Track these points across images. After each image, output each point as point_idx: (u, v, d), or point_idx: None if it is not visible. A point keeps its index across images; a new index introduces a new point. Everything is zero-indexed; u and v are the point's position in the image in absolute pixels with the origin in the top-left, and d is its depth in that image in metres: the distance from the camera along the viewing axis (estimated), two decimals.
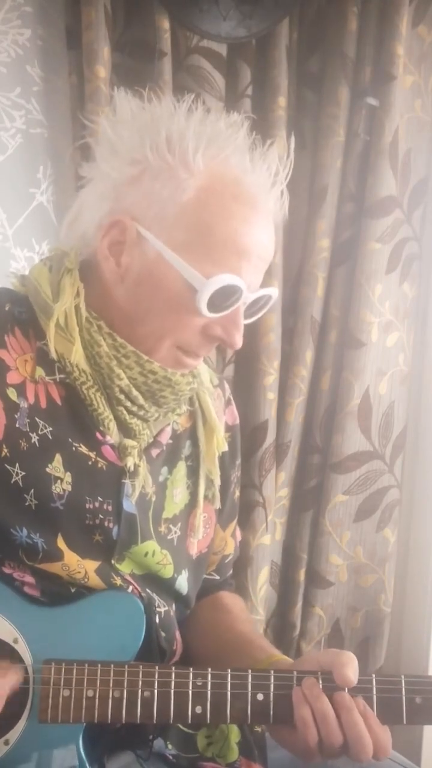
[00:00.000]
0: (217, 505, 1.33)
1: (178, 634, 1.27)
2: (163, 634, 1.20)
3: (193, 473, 1.29)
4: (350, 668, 1.04)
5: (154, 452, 1.23)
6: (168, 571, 1.23)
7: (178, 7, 1.78)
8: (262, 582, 1.96)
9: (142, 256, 1.11)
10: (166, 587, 1.24)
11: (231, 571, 1.47)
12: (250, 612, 1.92)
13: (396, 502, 2.04)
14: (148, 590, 1.20)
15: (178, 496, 1.27)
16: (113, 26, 1.78)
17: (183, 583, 1.27)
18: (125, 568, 1.18)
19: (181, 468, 1.28)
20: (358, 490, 2.00)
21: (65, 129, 1.83)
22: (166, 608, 1.23)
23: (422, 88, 1.96)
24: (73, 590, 1.13)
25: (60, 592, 1.12)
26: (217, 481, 1.31)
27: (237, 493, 1.44)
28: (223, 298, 1.10)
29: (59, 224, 1.86)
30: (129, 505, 1.17)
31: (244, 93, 1.87)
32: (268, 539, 1.96)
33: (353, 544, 2.01)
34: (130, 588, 1.17)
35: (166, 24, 1.77)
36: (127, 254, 1.12)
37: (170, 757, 1.17)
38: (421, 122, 1.97)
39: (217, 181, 1.09)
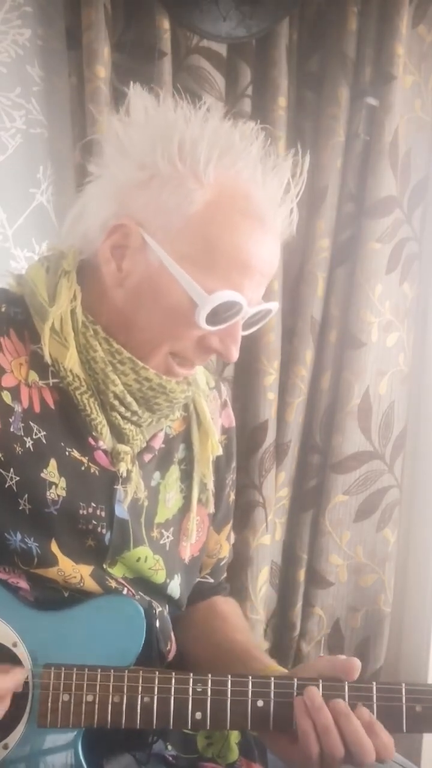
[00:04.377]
0: (211, 508, 1.32)
1: (172, 633, 1.27)
2: (159, 634, 1.20)
3: (187, 477, 1.28)
4: (351, 659, 1.05)
5: (147, 457, 1.22)
6: (160, 577, 1.22)
7: (178, 7, 1.78)
8: (262, 582, 1.96)
9: (144, 262, 1.09)
10: (158, 591, 1.24)
11: (225, 574, 1.46)
12: (250, 612, 1.93)
13: (396, 502, 2.04)
14: (141, 593, 1.20)
15: (170, 501, 1.26)
16: (113, 26, 1.78)
17: (175, 587, 1.26)
18: (117, 572, 1.18)
19: (174, 472, 1.27)
20: (358, 490, 2.00)
21: (65, 129, 1.83)
22: (161, 609, 1.23)
23: (422, 88, 1.96)
24: (66, 594, 1.12)
25: (54, 598, 1.11)
26: (211, 485, 1.30)
27: (232, 497, 1.43)
28: (223, 313, 1.09)
29: (59, 224, 1.86)
30: (121, 510, 1.17)
31: (244, 93, 1.87)
32: (268, 539, 1.96)
33: (353, 544, 2.01)
34: (125, 591, 1.17)
35: (166, 24, 1.77)
36: (129, 259, 1.10)
37: (170, 759, 1.16)
38: (421, 122, 1.97)
39: (226, 195, 1.07)
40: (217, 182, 1.07)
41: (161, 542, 1.23)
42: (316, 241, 1.92)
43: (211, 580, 1.41)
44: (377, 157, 1.87)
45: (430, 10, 1.92)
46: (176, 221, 1.07)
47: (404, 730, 1.05)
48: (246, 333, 1.16)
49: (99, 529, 1.15)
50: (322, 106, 1.91)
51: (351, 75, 1.88)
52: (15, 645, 1.06)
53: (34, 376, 1.12)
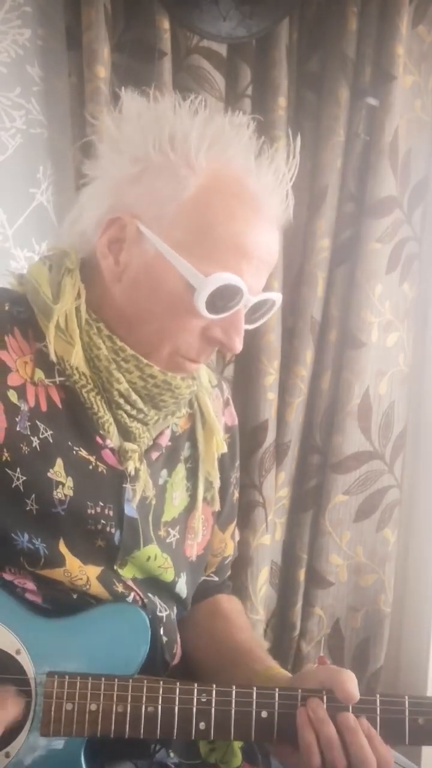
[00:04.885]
0: (216, 507, 1.32)
1: (178, 636, 1.27)
2: (165, 639, 1.20)
3: (193, 475, 1.28)
4: (352, 684, 1.04)
5: (154, 455, 1.21)
6: (169, 575, 1.22)
7: (178, 7, 1.78)
8: (262, 582, 1.96)
9: (141, 254, 1.09)
10: (167, 591, 1.24)
11: (229, 572, 1.46)
12: (250, 612, 1.93)
13: (396, 502, 2.04)
14: (149, 595, 1.20)
15: (177, 499, 1.26)
16: (113, 26, 1.77)
17: (183, 586, 1.26)
18: (127, 573, 1.18)
19: (180, 470, 1.27)
20: (358, 490, 2.00)
21: (65, 129, 1.83)
22: (168, 612, 1.23)
23: (422, 88, 1.96)
24: (75, 596, 1.12)
25: (62, 599, 1.11)
26: (217, 483, 1.30)
27: (236, 495, 1.43)
28: (224, 298, 1.08)
29: (59, 224, 1.86)
30: (130, 509, 1.17)
31: (244, 93, 1.87)
32: (268, 539, 1.96)
33: (353, 544, 2.02)
34: (132, 594, 1.16)
35: (166, 24, 1.77)
36: (126, 252, 1.10)
37: (172, 766, 1.16)
38: (421, 122, 1.97)
39: (219, 180, 1.08)
40: (210, 168, 1.07)
41: (168, 541, 1.23)
42: (316, 241, 1.91)
43: (216, 579, 1.41)
44: (377, 157, 1.87)
45: (430, 10, 1.92)
46: (171, 209, 1.07)
47: (407, 743, 1.05)
48: (250, 327, 1.16)
49: (108, 529, 1.14)
50: (322, 106, 1.91)
51: (351, 75, 1.88)
52: (18, 652, 1.06)
53: (40, 374, 1.12)
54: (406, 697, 1.05)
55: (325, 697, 1.04)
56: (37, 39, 1.83)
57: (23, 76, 1.83)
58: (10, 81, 1.82)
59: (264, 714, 1.04)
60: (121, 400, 1.13)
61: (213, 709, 1.03)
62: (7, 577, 1.10)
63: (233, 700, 1.04)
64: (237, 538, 1.47)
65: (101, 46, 1.72)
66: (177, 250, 1.07)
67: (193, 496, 1.28)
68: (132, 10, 1.79)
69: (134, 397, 1.13)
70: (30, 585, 1.10)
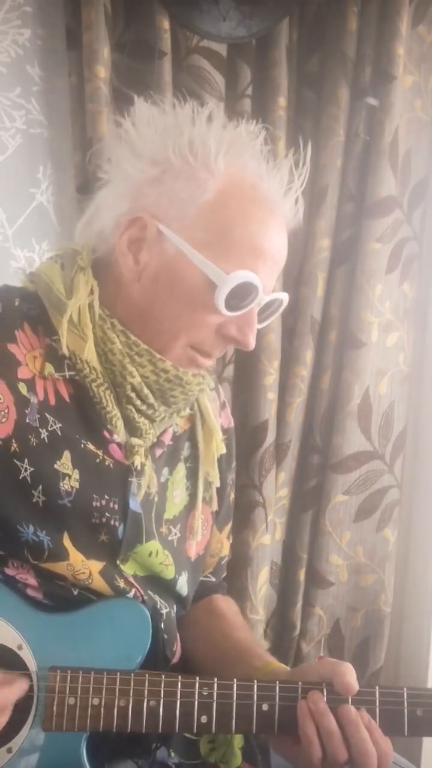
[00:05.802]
0: (215, 507, 1.34)
1: (177, 635, 1.27)
2: (165, 636, 1.20)
3: (192, 475, 1.30)
4: (351, 676, 1.05)
5: (158, 452, 1.23)
6: (170, 572, 1.23)
7: (178, 7, 1.78)
8: (262, 582, 1.96)
9: (161, 253, 1.13)
10: (167, 589, 1.25)
11: (225, 573, 1.48)
12: (250, 612, 1.93)
13: (396, 502, 2.04)
14: (150, 592, 1.20)
15: (177, 498, 1.28)
16: (113, 26, 1.78)
17: (183, 584, 1.27)
18: (129, 569, 1.19)
19: (181, 469, 1.29)
20: (358, 490, 2.00)
21: (65, 129, 1.83)
22: (168, 610, 1.23)
23: (422, 88, 1.96)
24: (75, 592, 1.13)
25: (63, 595, 1.12)
26: (216, 483, 1.32)
27: (232, 496, 1.46)
28: (241, 296, 1.12)
29: (59, 224, 1.86)
30: (135, 504, 1.18)
31: (244, 93, 1.87)
32: (268, 539, 1.96)
33: (353, 544, 2.01)
34: (133, 591, 1.17)
35: (166, 24, 1.77)
36: (146, 251, 1.13)
37: (173, 766, 1.17)
38: (421, 122, 1.97)
39: (236, 184, 1.12)
40: (227, 172, 1.12)
41: (169, 538, 1.25)
42: (316, 241, 1.92)
43: (213, 579, 1.43)
44: (377, 157, 1.87)
45: (430, 10, 1.92)
46: (190, 210, 1.11)
47: (405, 734, 1.06)
48: (260, 326, 1.19)
49: (112, 522, 1.15)
50: (322, 106, 1.91)
51: (351, 75, 1.88)
52: (20, 648, 1.06)
53: (50, 368, 1.14)
54: (405, 689, 1.06)
55: (325, 690, 1.05)
56: (37, 39, 1.83)
57: (23, 76, 1.83)
58: (10, 81, 1.82)
59: (265, 707, 1.05)
60: (133, 395, 1.15)
61: (215, 703, 1.04)
62: (9, 572, 1.12)
63: (234, 693, 1.05)
64: (231, 539, 1.48)
65: (101, 46, 1.72)
66: (197, 250, 1.11)
67: (192, 496, 1.29)
68: (132, 10, 1.79)
69: (146, 391, 1.16)
70: (31, 581, 1.11)
